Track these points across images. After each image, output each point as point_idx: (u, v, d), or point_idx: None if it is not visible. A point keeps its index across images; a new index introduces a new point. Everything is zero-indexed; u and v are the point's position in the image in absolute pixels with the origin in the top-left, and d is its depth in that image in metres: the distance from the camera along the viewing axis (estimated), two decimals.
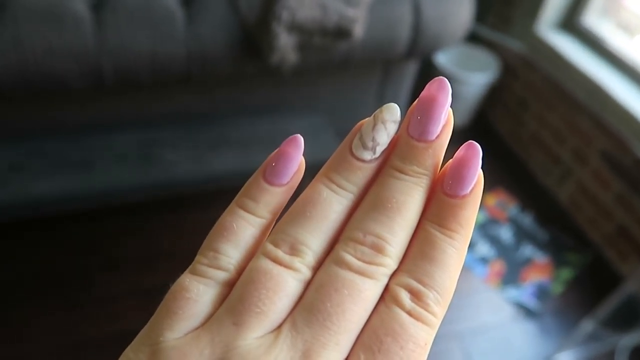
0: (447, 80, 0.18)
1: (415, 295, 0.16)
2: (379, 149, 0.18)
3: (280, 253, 0.17)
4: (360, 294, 0.16)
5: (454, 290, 0.17)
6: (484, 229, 1.38)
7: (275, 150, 0.19)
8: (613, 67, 1.28)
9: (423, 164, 0.18)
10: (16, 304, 1.10)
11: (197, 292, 0.17)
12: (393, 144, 0.18)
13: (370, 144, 0.18)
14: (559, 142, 1.42)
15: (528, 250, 1.34)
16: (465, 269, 1.26)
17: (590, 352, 1.13)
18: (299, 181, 0.19)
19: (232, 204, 0.19)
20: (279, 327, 0.16)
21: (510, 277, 1.27)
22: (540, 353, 1.14)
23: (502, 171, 1.55)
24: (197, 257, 0.18)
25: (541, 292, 1.25)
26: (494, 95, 1.62)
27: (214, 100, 1.12)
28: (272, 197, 0.19)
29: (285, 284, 0.16)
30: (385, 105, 0.18)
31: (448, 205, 0.17)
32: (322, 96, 1.20)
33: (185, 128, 1.11)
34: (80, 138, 1.06)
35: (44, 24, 0.84)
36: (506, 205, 1.45)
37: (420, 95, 0.18)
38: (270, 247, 0.17)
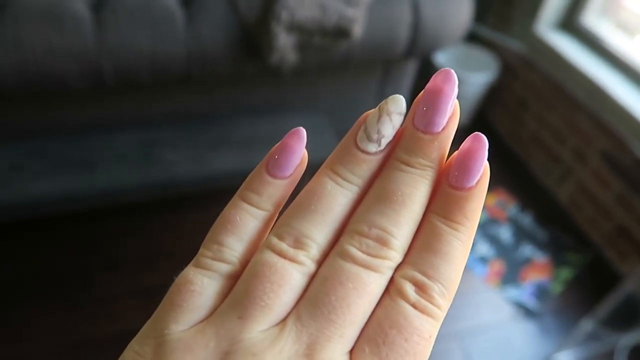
0: (453, 71, 0.18)
1: (420, 288, 0.16)
2: (384, 141, 0.18)
3: (284, 246, 0.17)
4: (365, 287, 0.16)
5: (459, 282, 0.17)
6: (484, 228, 1.38)
7: (278, 143, 0.19)
8: (613, 67, 1.28)
9: (429, 156, 0.18)
10: (16, 304, 1.10)
11: (202, 285, 0.17)
12: (398, 136, 0.18)
13: (375, 136, 0.18)
14: (558, 142, 1.42)
15: (528, 250, 1.34)
16: (465, 268, 1.26)
17: (589, 351, 1.13)
18: (301, 174, 0.19)
19: (235, 197, 0.19)
20: (284, 320, 0.16)
21: (510, 276, 1.27)
22: (540, 353, 1.14)
23: (502, 171, 1.55)
24: (201, 250, 0.18)
25: (541, 292, 1.25)
26: (493, 95, 1.62)
27: (214, 100, 1.12)
28: (275, 189, 0.19)
29: (289, 277, 0.16)
30: (390, 97, 0.18)
31: (454, 197, 0.17)
32: (322, 96, 1.20)
33: (185, 128, 1.11)
34: (81, 138, 1.06)
35: (44, 24, 0.84)
36: (506, 205, 1.45)
37: (426, 86, 0.18)
38: (274, 240, 0.17)
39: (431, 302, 0.16)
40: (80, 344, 1.06)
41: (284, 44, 0.92)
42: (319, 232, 0.17)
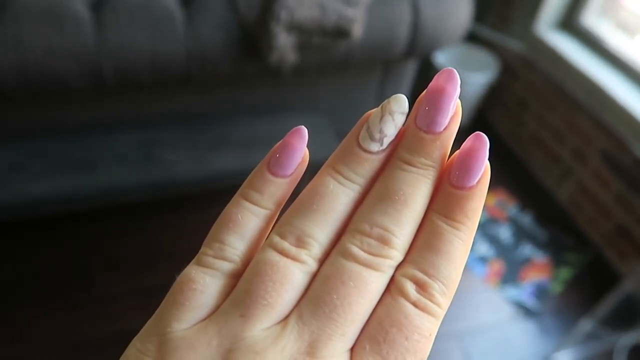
0: (455, 71, 0.18)
1: (421, 287, 0.16)
2: (387, 141, 0.18)
3: (286, 245, 0.17)
4: (366, 286, 0.16)
5: (459, 281, 0.17)
6: (484, 228, 1.38)
7: (280, 142, 0.19)
8: (612, 67, 1.28)
9: (430, 155, 0.18)
10: (16, 304, 1.10)
11: (203, 283, 0.17)
12: (400, 136, 0.18)
13: (377, 136, 0.18)
14: (558, 142, 1.43)
15: (527, 249, 1.34)
16: (465, 268, 1.26)
17: (589, 351, 1.13)
18: (302, 172, 0.19)
19: (237, 195, 0.19)
20: (286, 318, 0.16)
21: (510, 276, 1.27)
22: (540, 352, 1.14)
23: (502, 171, 1.55)
24: (203, 249, 0.18)
25: (540, 292, 1.25)
26: (493, 95, 1.62)
27: (214, 100, 1.12)
28: (277, 188, 0.19)
29: (291, 276, 0.16)
30: (392, 96, 0.18)
31: (455, 196, 0.17)
32: (322, 96, 1.20)
33: (185, 128, 1.12)
34: (81, 138, 1.06)
35: (44, 24, 0.84)
36: (506, 204, 1.45)
37: (429, 86, 0.18)
38: (276, 239, 0.17)
39: (431, 301, 0.16)
40: (80, 344, 1.06)
41: (284, 43, 0.92)
42: (320, 231, 0.17)
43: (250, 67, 0.99)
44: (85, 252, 1.21)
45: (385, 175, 0.18)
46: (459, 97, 0.18)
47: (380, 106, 0.18)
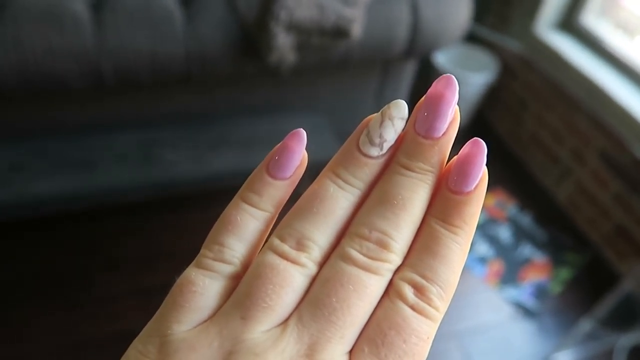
0: (454, 77, 0.18)
1: (419, 290, 0.17)
2: (386, 145, 0.18)
3: (286, 248, 0.17)
4: (365, 290, 0.16)
5: (456, 284, 0.17)
6: (483, 228, 1.38)
7: (279, 144, 0.19)
8: (611, 67, 1.28)
9: (429, 160, 0.18)
10: (16, 304, 1.11)
11: (203, 286, 0.17)
12: (400, 141, 0.19)
13: (377, 140, 0.18)
14: (557, 142, 1.43)
15: (527, 250, 1.34)
16: (464, 268, 1.26)
17: (588, 351, 1.13)
18: (301, 175, 0.19)
19: (236, 198, 0.19)
20: (286, 321, 0.16)
21: (509, 276, 1.28)
22: (539, 352, 1.15)
23: (501, 171, 1.55)
24: (202, 251, 0.18)
25: (540, 292, 1.25)
26: (493, 96, 1.62)
27: (213, 100, 1.13)
28: (276, 190, 0.19)
29: (291, 278, 0.17)
30: (392, 102, 0.18)
31: (452, 201, 0.18)
32: (321, 96, 1.20)
33: (185, 128, 1.12)
34: (81, 138, 1.06)
35: (44, 24, 0.84)
36: (505, 205, 1.45)
37: (428, 92, 0.18)
38: (276, 242, 0.17)
39: (429, 304, 0.17)
40: (80, 344, 1.06)
41: (283, 43, 0.92)
42: (320, 235, 0.17)
43: (249, 67, 0.99)
44: (85, 252, 1.21)
45: (384, 180, 0.18)
46: (458, 100, 0.18)
47: (380, 111, 0.18)
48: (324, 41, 0.95)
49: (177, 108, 1.12)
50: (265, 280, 0.16)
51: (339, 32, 0.94)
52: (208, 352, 0.16)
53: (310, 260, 0.17)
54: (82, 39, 0.86)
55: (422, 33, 1.03)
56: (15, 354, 1.04)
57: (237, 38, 0.93)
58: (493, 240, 1.36)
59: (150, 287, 1.14)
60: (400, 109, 0.18)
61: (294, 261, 0.17)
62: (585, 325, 1.11)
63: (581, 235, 1.37)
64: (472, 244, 0.18)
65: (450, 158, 0.19)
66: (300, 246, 0.17)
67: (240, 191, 0.19)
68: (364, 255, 0.17)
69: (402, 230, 0.17)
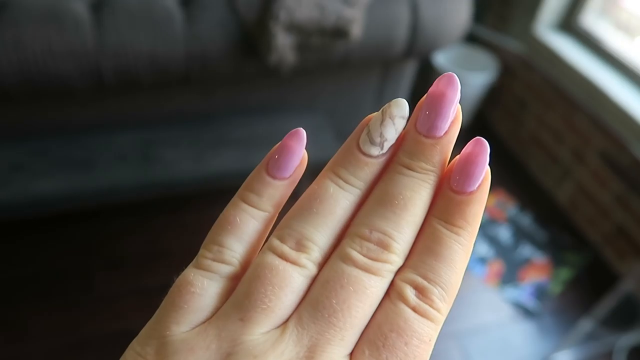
0: (456, 76, 0.18)
1: (420, 291, 0.16)
2: (387, 145, 0.18)
3: (286, 248, 0.17)
4: (366, 291, 0.16)
5: (459, 286, 0.17)
6: (483, 229, 1.38)
7: (278, 144, 0.19)
8: (611, 68, 1.29)
9: (430, 160, 0.18)
10: (16, 304, 1.11)
11: (202, 286, 0.17)
12: (400, 140, 0.18)
13: (378, 140, 0.18)
14: (557, 142, 1.43)
15: (527, 250, 1.34)
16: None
17: (588, 351, 1.13)
18: (301, 175, 0.19)
19: (235, 198, 0.19)
20: (285, 322, 0.16)
21: (509, 277, 1.28)
22: (539, 352, 1.15)
23: (501, 171, 1.55)
24: (201, 251, 0.18)
25: (540, 292, 1.25)
26: (493, 96, 1.63)
27: (213, 100, 1.13)
28: (275, 190, 0.19)
29: (291, 279, 0.16)
30: (393, 101, 0.18)
31: (455, 201, 0.17)
32: (321, 96, 1.20)
33: (186, 128, 1.12)
34: (81, 138, 1.06)
35: (44, 24, 0.84)
36: (505, 205, 1.45)
37: (429, 90, 0.18)
38: (276, 243, 0.17)
39: (431, 306, 0.16)
40: (81, 344, 1.06)
41: (283, 44, 0.92)
42: (320, 235, 0.17)
43: (249, 67, 0.99)
44: (86, 252, 1.21)
45: (385, 180, 0.18)
46: (459, 100, 0.18)
47: (380, 110, 0.18)
48: (324, 41, 0.96)
49: (177, 108, 1.12)
50: (264, 281, 0.16)
51: (339, 32, 0.94)
52: (206, 353, 0.15)
53: (310, 261, 0.17)
54: (82, 39, 0.86)
55: (422, 33, 1.03)
56: (15, 354, 1.04)
57: (237, 38, 0.93)
58: (493, 241, 1.35)
59: (151, 287, 1.14)
60: (401, 107, 0.18)
61: (293, 262, 0.17)
62: (585, 325, 1.11)
63: (581, 236, 1.37)
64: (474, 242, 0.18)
65: (452, 158, 0.18)
66: (300, 247, 0.17)
67: (239, 191, 0.19)
68: (365, 256, 0.17)
69: (403, 231, 0.17)
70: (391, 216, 0.17)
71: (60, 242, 1.22)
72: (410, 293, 0.16)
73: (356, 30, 0.94)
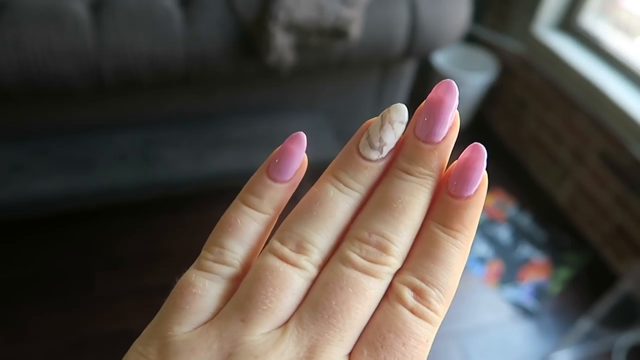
0: (454, 82, 0.18)
1: (418, 293, 0.17)
2: (386, 149, 0.18)
3: (286, 251, 0.17)
4: (365, 293, 0.17)
5: (456, 288, 0.18)
6: (482, 229, 1.38)
7: (279, 147, 0.19)
8: (610, 68, 1.29)
9: (429, 165, 0.18)
10: (16, 304, 1.11)
11: (204, 288, 0.17)
12: (400, 144, 0.19)
13: (377, 144, 0.18)
14: (557, 142, 1.43)
15: (526, 250, 1.34)
16: (464, 268, 1.26)
17: (588, 351, 1.13)
18: (301, 178, 0.19)
19: (236, 200, 0.19)
20: (286, 323, 0.16)
21: (508, 276, 1.28)
22: (538, 352, 1.15)
23: (501, 171, 1.55)
24: (203, 253, 0.18)
25: (539, 292, 1.25)
26: (492, 96, 1.63)
27: (213, 100, 1.13)
28: (276, 193, 0.19)
29: (291, 281, 0.17)
30: (393, 106, 0.18)
31: (452, 205, 0.18)
32: (321, 96, 1.20)
33: (185, 128, 1.12)
34: (81, 138, 1.07)
35: (44, 24, 0.84)
36: (504, 205, 1.45)
37: (428, 96, 0.18)
38: (277, 245, 0.18)
39: (429, 308, 0.17)
40: (81, 344, 1.06)
41: (282, 44, 0.92)
42: (320, 238, 0.18)
43: (249, 67, 0.99)
44: (86, 252, 1.21)
45: (384, 184, 0.18)
46: (458, 102, 0.18)
47: (380, 115, 0.19)
48: (323, 41, 0.96)
49: (177, 108, 1.12)
50: (265, 282, 0.17)
51: (338, 32, 0.94)
52: (208, 354, 0.16)
53: (310, 263, 0.17)
54: (82, 39, 0.86)
55: (421, 33, 1.03)
56: (15, 354, 1.04)
57: (236, 38, 0.94)
58: (492, 241, 1.36)
59: (151, 287, 1.14)
60: (400, 112, 0.18)
61: (294, 264, 0.17)
62: (585, 325, 1.11)
63: (580, 236, 1.37)
64: (471, 245, 0.18)
65: (450, 162, 0.19)
66: (300, 249, 0.17)
67: (240, 193, 0.19)
68: (364, 258, 0.17)
69: (401, 234, 0.17)
70: (390, 220, 0.17)
71: (60, 242, 1.22)
72: (408, 295, 0.17)
73: (355, 31, 0.94)
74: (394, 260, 0.17)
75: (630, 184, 1.20)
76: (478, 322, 1.19)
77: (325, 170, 0.19)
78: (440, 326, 0.17)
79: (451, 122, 0.18)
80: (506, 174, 1.55)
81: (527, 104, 1.52)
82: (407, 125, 0.19)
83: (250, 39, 0.94)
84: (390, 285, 0.17)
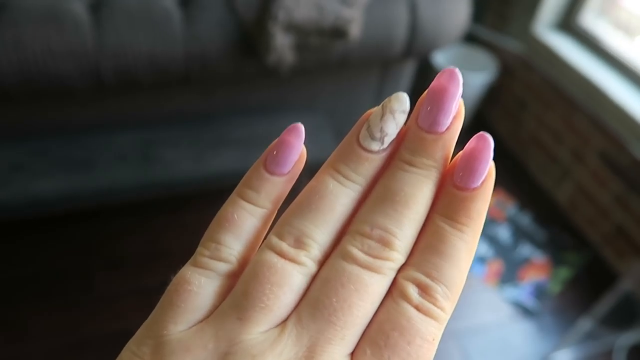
0: (458, 70, 0.17)
1: (424, 290, 0.16)
2: (387, 140, 0.18)
3: (285, 246, 0.17)
4: (367, 289, 0.16)
5: (463, 284, 0.17)
6: (482, 228, 1.38)
7: (276, 139, 0.18)
8: (610, 67, 1.29)
9: (433, 156, 0.17)
10: (16, 304, 1.11)
11: (199, 285, 0.17)
12: (402, 135, 0.18)
13: (378, 135, 0.17)
14: (557, 142, 1.43)
15: (526, 249, 1.34)
16: None
17: (588, 350, 1.13)
18: (300, 170, 0.19)
19: (233, 194, 0.18)
20: (284, 321, 0.16)
21: (508, 276, 1.28)
22: (538, 352, 1.15)
23: (501, 171, 1.55)
24: (199, 249, 0.18)
25: (539, 292, 1.25)
26: (492, 96, 1.63)
27: (213, 100, 1.13)
28: (273, 186, 0.18)
29: (290, 278, 0.16)
30: (394, 95, 0.18)
31: (458, 198, 0.17)
32: (321, 96, 1.20)
33: (185, 128, 1.12)
34: (81, 138, 1.06)
35: (44, 24, 0.84)
36: (504, 204, 1.45)
37: (431, 85, 0.18)
38: (275, 240, 0.17)
39: (434, 304, 0.16)
40: (81, 344, 1.06)
41: (281, 44, 0.92)
42: (320, 232, 0.17)
43: (248, 67, 0.99)
44: (86, 252, 1.21)
45: (386, 176, 0.18)
46: (462, 91, 0.18)
47: (381, 105, 0.18)
48: (323, 41, 0.96)
49: (177, 108, 1.12)
50: (262, 279, 0.16)
51: (338, 32, 0.94)
52: (204, 353, 0.15)
53: (309, 259, 0.17)
54: (81, 39, 0.86)
55: (421, 33, 1.03)
56: (15, 354, 1.04)
57: (236, 38, 0.93)
58: (492, 240, 1.36)
59: (151, 287, 1.14)
60: (401, 101, 0.17)
61: (292, 260, 0.16)
62: (585, 324, 1.11)
63: (580, 235, 1.37)
64: (478, 240, 0.18)
65: (454, 155, 0.18)
66: (299, 244, 0.17)
67: (237, 188, 0.19)
68: (366, 253, 0.16)
69: (405, 228, 0.17)
70: (392, 213, 0.17)
71: (60, 242, 1.22)
72: (413, 291, 0.16)
73: (355, 31, 0.94)
74: (398, 255, 0.16)
75: (630, 184, 1.20)
76: (478, 322, 1.18)
77: (325, 163, 0.18)
78: None
79: (455, 111, 0.17)
80: (506, 173, 1.55)
81: (527, 104, 1.52)
82: (409, 115, 0.18)
83: (250, 39, 0.94)
84: (394, 282, 0.16)
